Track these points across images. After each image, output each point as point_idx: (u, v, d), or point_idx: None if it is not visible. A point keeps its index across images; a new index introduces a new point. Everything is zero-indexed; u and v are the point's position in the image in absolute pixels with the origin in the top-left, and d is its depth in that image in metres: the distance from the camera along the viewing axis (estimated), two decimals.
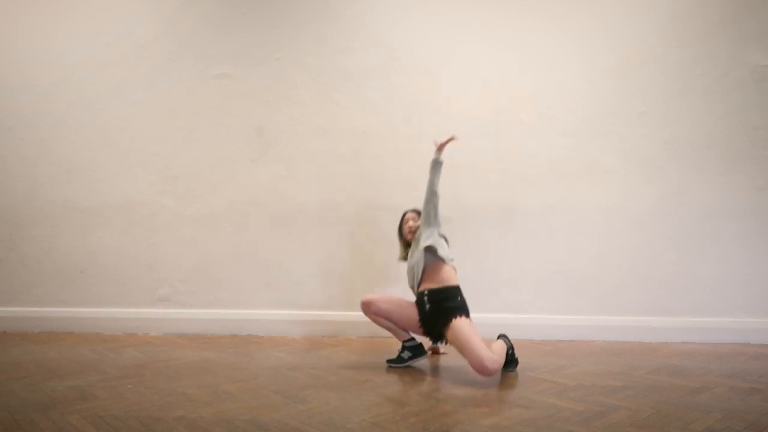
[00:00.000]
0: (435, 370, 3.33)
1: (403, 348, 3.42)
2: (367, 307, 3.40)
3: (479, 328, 4.03)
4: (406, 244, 3.58)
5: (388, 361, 3.42)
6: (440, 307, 3.25)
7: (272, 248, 4.33)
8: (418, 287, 3.35)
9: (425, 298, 3.31)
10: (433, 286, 3.30)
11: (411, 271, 3.40)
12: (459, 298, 3.27)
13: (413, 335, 3.45)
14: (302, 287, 4.31)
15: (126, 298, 4.37)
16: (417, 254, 3.35)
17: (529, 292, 4.21)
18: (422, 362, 3.47)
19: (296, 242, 4.32)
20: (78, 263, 4.41)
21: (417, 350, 3.42)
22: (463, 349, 3.10)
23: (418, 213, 3.51)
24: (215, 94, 4.38)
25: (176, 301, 4.37)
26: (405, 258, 3.57)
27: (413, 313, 3.37)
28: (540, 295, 4.21)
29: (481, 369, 3.01)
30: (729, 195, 4.14)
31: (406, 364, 3.40)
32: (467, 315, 3.24)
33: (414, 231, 3.48)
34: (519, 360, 3.36)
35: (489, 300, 4.16)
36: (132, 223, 4.39)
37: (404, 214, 3.60)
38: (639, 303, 4.15)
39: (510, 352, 3.30)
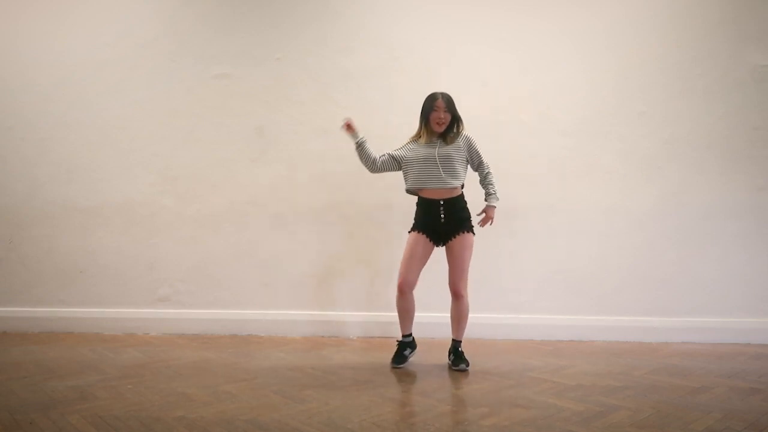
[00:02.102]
0: (435, 370, 3.33)
1: (404, 346, 3.45)
2: (408, 290, 3.35)
3: (478, 329, 4.07)
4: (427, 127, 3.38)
5: (394, 364, 3.41)
6: (454, 218, 3.32)
7: (272, 248, 4.33)
8: (425, 190, 3.33)
9: (441, 209, 3.30)
10: (448, 196, 3.33)
11: (433, 165, 3.30)
12: (468, 208, 3.40)
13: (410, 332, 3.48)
14: (302, 287, 4.31)
15: (126, 298, 4.37)
16: (455, 155, 3.32)
17: (529, 292, 4.21)
18: (422, 362, 3.48)
19: (296, 242, 4.32)
20: (78, 263, 4.40)
21: (413, 345, 3.50)
22: (460, 266, 3.31)
23: (447, 102, 3.33)
24: (215, 94, 4.37)
25: (176, 301, 4.37)
26: (422, 140, 3.40)
27: (426, 248, 3.36)
28: (540, 295, 4.20)
29: (460, 291, 3.33)
30: (729, 195, 4.14)
31: (407, 362, 3.44)
32: (473, 231, 3.38)
33: (442, 124, 3.32)
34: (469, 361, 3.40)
35: (489, 300, 4.15)
36: (132, 223, 4.39)
37: (436, 99, 3.33)
38: (639, 303, 4.15)
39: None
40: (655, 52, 4.20)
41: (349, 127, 3.43)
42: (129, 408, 2.60)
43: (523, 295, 4.21)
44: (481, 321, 4.08)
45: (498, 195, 3.45)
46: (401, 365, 3.39)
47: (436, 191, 3.32)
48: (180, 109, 4.39)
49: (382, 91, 4.30)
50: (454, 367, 3.33)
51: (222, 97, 4.37)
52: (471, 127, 4.19)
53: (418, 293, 3.47)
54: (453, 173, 3.32)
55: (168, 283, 4.37)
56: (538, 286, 4.21)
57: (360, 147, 3.45)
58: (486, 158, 3.47)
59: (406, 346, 3.46)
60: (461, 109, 4.19)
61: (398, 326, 3.48)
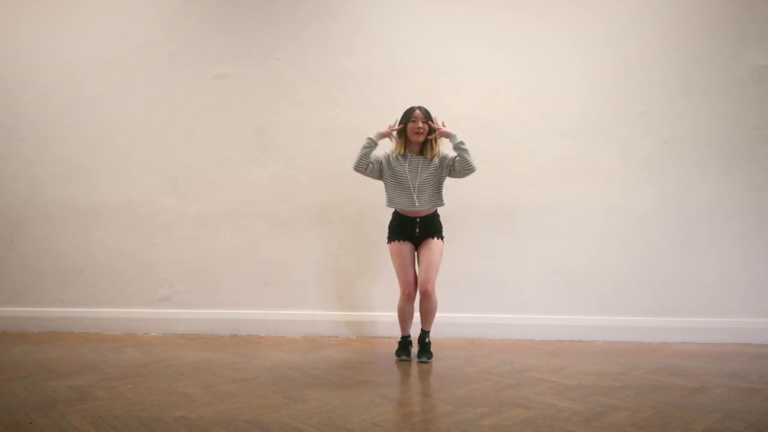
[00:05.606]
0: (434, 371, 3.33)
1: (407, 343, 3.61)
2: (414, 294, 3.49)
3: (479, 329, 4.08)
4: (405, 140, 3.48)
5: (404, 356, 3.58)
6: (428, 228, 3.47)
7: (272, 248, 4.33)
8: (407, 210, 3.45)
9: (417, 225, 3.45)
10: (424, 215, 3.47)
11: (412, 187, 3.42)
12: (440, 219, 3.54)
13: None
14: (302, 287, 4.31)
15: (126, 298, 4.37)
16: (431, 180, 3.44)
17: (529, 292, 4.21)
18: (423, 362, 3.49)
19: (296, 242, 4.32)
20: (78, 263, 4.40)
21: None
22: (431, 267, 3.38)
23: (425, 114, 3.43)
24: (215, 94, 4.37)
25: (176, 301, 4.37)
26: (401, 152, 3.48)
27: (411, 250, 3.49)
28: (540, 295, 4.20)
29: (428, 289, 3.38)
30: (729, 195, 4.14)
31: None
32: (443, 237, 3.51)
33: (421, 134, 3.41)
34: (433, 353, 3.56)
35: (489, 300, 4.15)
36: (132, 223, 4.39)
37: (413, 111, 3.44)
38: (639, 303, 4.15)
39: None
40: (655, 52, 4.20)
41: (387, 134, 3.48)
42: (129, 408, 2.60)
43: (523, 295, 4.21)
44: (481, 321, 4.09)
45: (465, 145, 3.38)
46: (408, 358, 3.55)
47: (413, 212, 3.46)
48: (180, 109, 4.39)
49: (382, 91, 4.29)
50: (418, 360, 3.50)
51: (222, 97, 4.37)
52: (471, 127, 4.20)
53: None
54: (430, 200, 3.45)
55: (168, 283, 4.37)
56: (538, 286, 4.21)
57: (368, 148, 3.48)
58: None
59: (408, 344, 3.60)
60: (461, 109, 4.22)
61: (398, 326, 3.51)
